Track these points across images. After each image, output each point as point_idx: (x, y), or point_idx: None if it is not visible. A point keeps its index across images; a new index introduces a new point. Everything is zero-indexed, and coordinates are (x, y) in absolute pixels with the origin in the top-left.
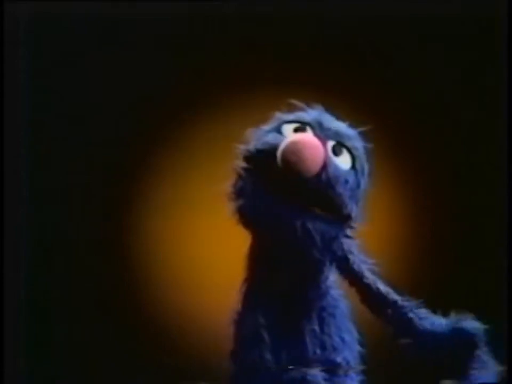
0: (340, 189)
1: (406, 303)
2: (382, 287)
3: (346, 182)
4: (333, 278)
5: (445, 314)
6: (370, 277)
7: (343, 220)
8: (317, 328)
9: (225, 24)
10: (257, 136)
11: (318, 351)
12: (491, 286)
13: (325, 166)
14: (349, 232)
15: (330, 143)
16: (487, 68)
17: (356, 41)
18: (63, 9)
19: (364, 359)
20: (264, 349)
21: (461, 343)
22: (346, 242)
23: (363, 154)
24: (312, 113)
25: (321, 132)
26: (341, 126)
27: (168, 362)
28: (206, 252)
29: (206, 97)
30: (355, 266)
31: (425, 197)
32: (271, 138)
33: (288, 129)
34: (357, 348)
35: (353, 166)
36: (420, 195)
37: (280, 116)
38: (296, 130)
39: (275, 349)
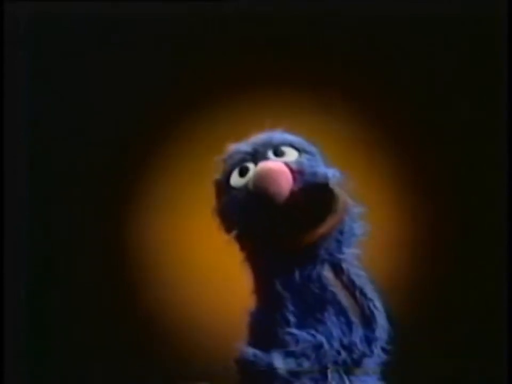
0: (312, 169)
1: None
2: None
3: (309, 161)
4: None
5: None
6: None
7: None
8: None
9: (225, 24)
10: (224, 206)
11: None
12: (491, 287)
13: (292, 171)
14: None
15: (270, 154)
16: (487, 68)
17: (356, 41)
18: (63, 9)
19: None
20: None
21: None
22: (345, 250)
23: (297, 139)
24: (235, 151)
25: (259, 155)
26: (265, 138)
27: (168, 362)
28: (206, 251)
29: (206, 97)
30: (346, 276)
31: (425, 197)
32: (237, 197)
33: (234, 179)
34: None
35: (297, 150)
36: (420, 195)
37: (219, 176)
38: (240, 172)
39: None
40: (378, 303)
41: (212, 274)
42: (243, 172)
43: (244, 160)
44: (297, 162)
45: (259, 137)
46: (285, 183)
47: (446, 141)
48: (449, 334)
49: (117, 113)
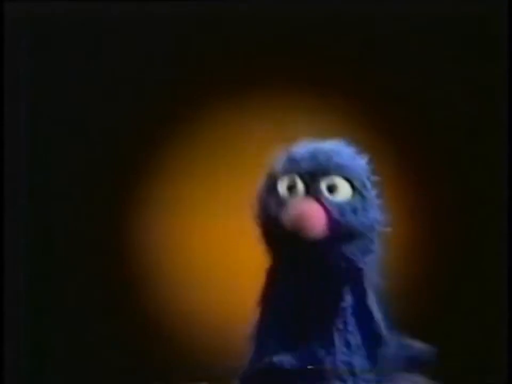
0: (353, 221)
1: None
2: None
3: (355, 210)
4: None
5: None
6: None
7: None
8: (341, 326)
9: (225, 24)
10: (261, 200)
11: (345, 350)
12: (491, 286)
13: (330, 219)
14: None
15: (323, 186)
16: (487, 68)
17: (356, 41)
18: (63, 9)
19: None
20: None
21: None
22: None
23: (358, 170)
24: (300, 160)
25: (312, 181)
26: (327, 159)
27: (168, 362)
28: (207, 251)
29: (206, 97)
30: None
31: (425, 197)
32: (273, 206)
33: (282, 187)
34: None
35: (353, 188)
36: (420, 195)
37: (274, 169)
38: (289, 188)
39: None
40: (383, 326)
41: (213, 274)
42: (291, 188)
43: (300, 175)
44: (342, 211)
45: (321, 150)
46: (317, 231)
47: (446, 141)
48: (449, 333)
49: (117, 113)
